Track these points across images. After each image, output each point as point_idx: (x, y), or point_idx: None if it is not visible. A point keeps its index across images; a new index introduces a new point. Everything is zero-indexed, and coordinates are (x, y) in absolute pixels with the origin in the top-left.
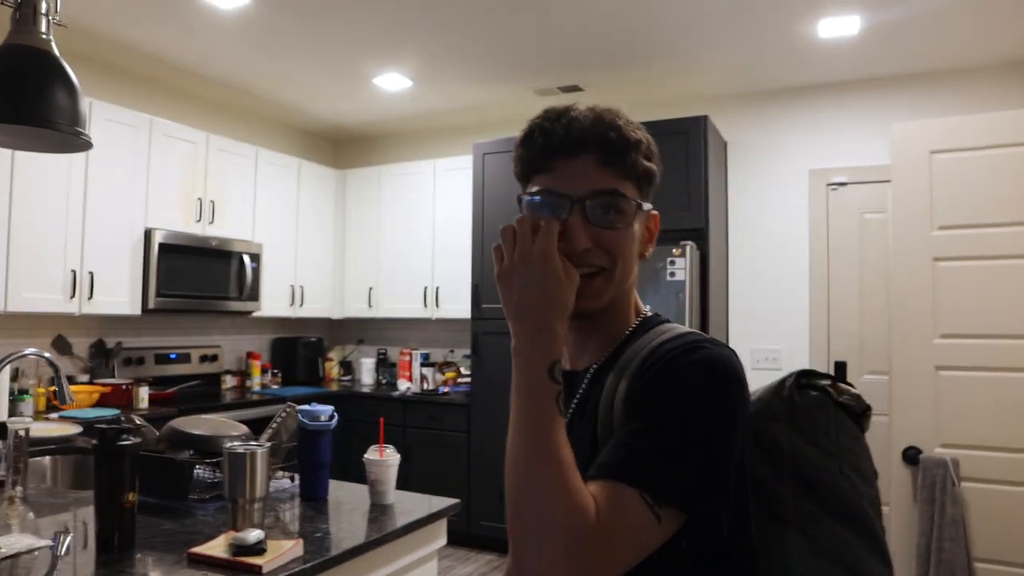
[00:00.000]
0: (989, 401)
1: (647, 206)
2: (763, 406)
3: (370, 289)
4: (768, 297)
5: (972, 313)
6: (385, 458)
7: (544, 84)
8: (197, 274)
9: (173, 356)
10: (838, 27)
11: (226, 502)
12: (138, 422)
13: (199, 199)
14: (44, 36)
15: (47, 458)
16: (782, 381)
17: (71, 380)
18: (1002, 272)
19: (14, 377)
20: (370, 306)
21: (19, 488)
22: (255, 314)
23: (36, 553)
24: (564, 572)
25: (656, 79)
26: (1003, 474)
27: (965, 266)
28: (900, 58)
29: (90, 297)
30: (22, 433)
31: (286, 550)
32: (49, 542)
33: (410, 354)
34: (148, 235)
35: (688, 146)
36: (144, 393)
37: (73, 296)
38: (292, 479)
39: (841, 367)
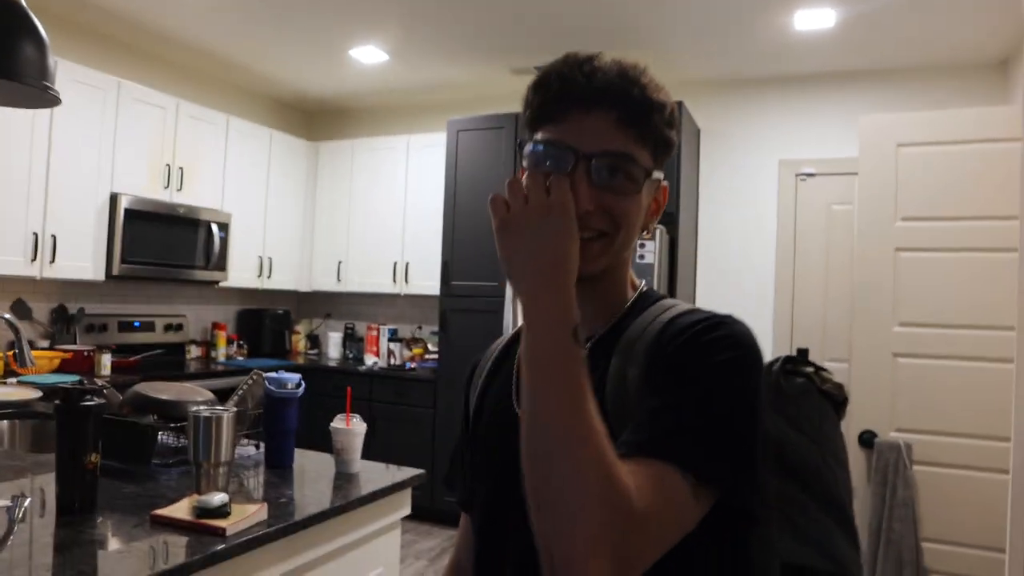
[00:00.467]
0: (943, 388)
1: (658, 175)
2: None
3: (339, 263)
4: (734, 283)
5: (930, 303)
6: (351, 427)
7: (521, 63)
8: (163, 241)
9: (137, 324)
10: (814, 19)
11: (190, 467)
12: (101, 385)
13: (167, 165)
14: None
15: (4, 423)
16: (768, 365)
17: (31, 346)
18: (960, 264)
19: None
20: (339, 280)
21: None
22: (222, 284)
23: None
24: (605, 558)
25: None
26: (953, 458)
27: (925, 257)
28: (872, 53)
29: (52, 261)
30: None
31: (250, 514)
32: (6, 502)
33: (378, 329)
34: (114, 200)
35: None
36: (107, 360)
37: (34, 260)
38: (257, 447)
39: (803, 353)
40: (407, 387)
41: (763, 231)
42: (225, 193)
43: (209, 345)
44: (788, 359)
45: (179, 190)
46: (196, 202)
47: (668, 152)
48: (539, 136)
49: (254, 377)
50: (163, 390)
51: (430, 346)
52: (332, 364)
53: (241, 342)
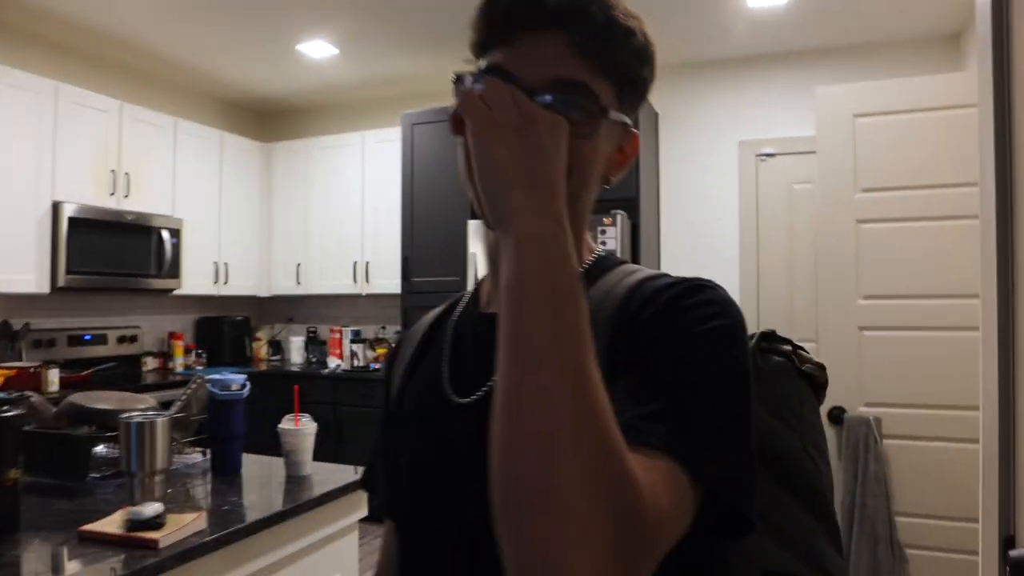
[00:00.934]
0: (909, 360)
1: (621, 118)
2: None
3: (298, 265)
4: (699, 266)
5: (893, 274)
6: (300, 427)
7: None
8: (112, 250)
9: (88, 337)
10: None
11: (124, 477)
12: (30, 396)
13: (112, 171)
14: None
15: None
16: None
17: None
18: (922, 233)
19: None
20: (298, 283)
21: None
22: (176, 292)
23: None
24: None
25: None
26: (922, 430)
27: (887, 228)
28: (826, 30)
29: None
30: None
31: (186, 523)
32: None
33: (340, 331)
34: (56, 209)
35: None
36: (55, 376)
37: None
38: (204, 453)
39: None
40: (372, 388)
41: (725, 213)
42: (176, 198)
43: (166, 356)
44: (764, 335)
45: (126, 196)
46: (145, 208)
47: (637, 92)
48: (482, 65)
49: (197, 381)
50: (101, 399)
51: (393, 345)
52: (295, 369)
53: (200, 351)
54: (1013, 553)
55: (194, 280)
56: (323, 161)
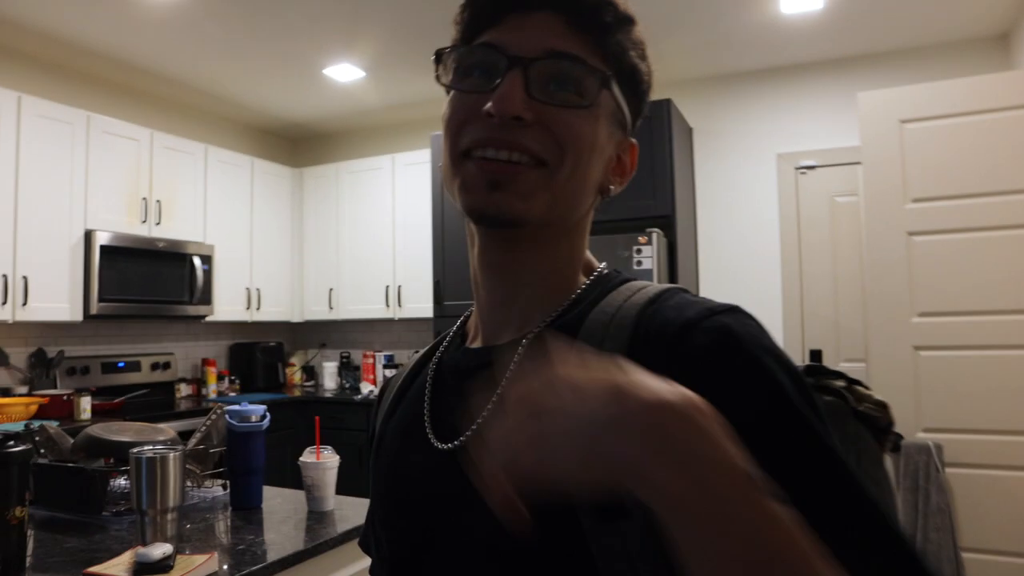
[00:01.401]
0: (972, 381)
1: (620, 100)
2: None
3: (330, 290)
4: (739, 285)
5: (950, 289)
6: (322, 460)
7: None
8: (144, 277)
9: (121, 364)
10: (801, 2)
11: (136, 514)
12: (49, 428)
13: (144, 199)
14: None
15: None
16: None
17: (7, 392)
18: (979, 245)
19: None
20: (331, 308)
21: None
22: (209, 319)
23: None
24: None
25: None
26: (989, 458)
27: (941, 240)
28: (864, 35)
29: (24, 303)
30: None
31: (197, 565)
32: None
33: (373, 356)
34: (88, 237)
35: (651, 132)
36: (86, 403)
37: (4, 302)
38: (224, 487)
39: (816, 355)
40: None
41: (765, 229)
42: (207, 224)
43: (200, 382)
44: (809, 369)
45: (158, 224)
46: (177, 235)
47: (634, 86)
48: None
49: (217, 412)
50: (119, 431)
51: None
52: (328, 395)
53: (233, 377)
54: None
55: (226, 306)
56: (353, 185)
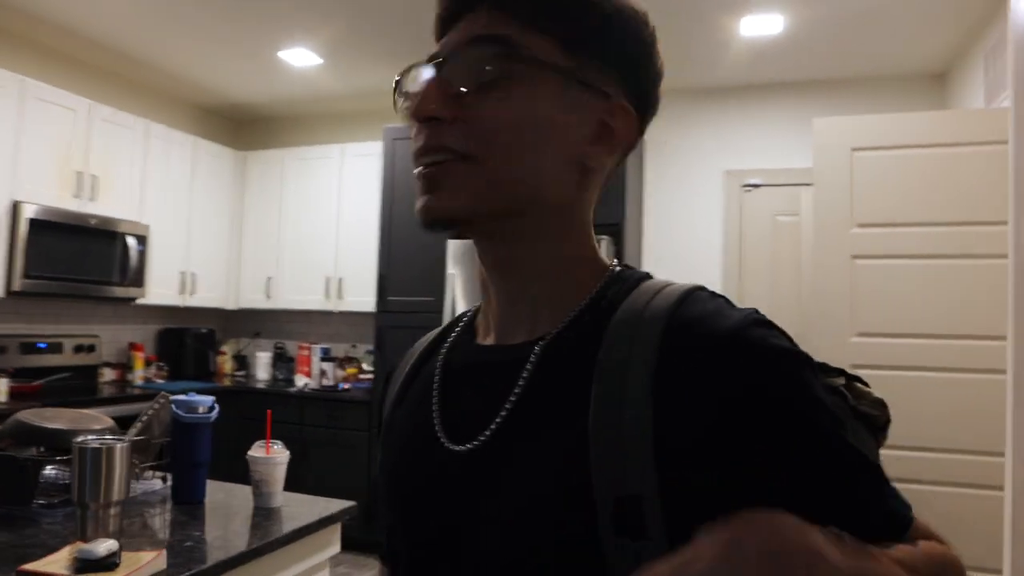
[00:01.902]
0: (906, 400)
1: (556, 62)
2: None
3: (268, 279)
4: None
5: (889, 312)
6: (272, 455)
7: None
8: (73, 255)
9: (42, 345)
10: (761, 25)
11: (76, 508)
12: None
13: (78, 172)
14: None
15: None
16: None
17: None
18: (919, 271)
19: None
20: (268, 297)
21: None
22: (139, 301)
23: None
24: None
25: None
26: (922, 474)
27: (883, 264)
28: (817, 63)
29: None
30: None
31: (144, 563)
32: None
33: (309, 348)
34: (15, 208)
35: None
36: (3, 385)
37: None
38: (164, 480)
39: None
40: (341, 409)
41: (709, 243)
42: (144, 203)
43: (125, 367)
44: None
45: (92, 199)
46: (111, 213)
47: (600, 44)
48: None
49: (160, 401)
50: (53, 418)
51: (365, 365)
52: (260, 386)
53: (161, 364)
54: None
55: (159, 289)
56: (299, 172)
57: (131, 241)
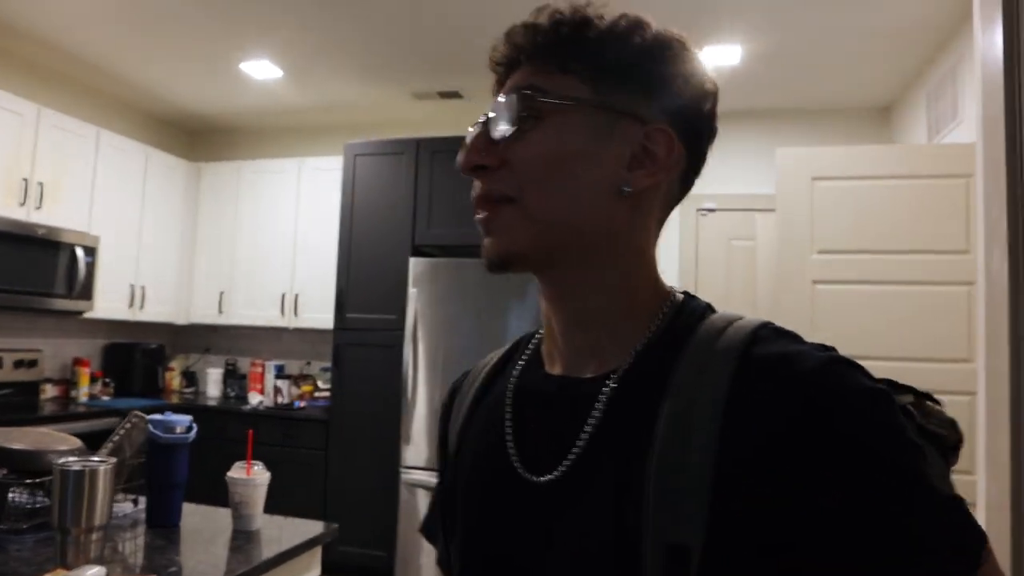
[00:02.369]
0: None
1: (582, 98)
2: None
3: (221, 293)
4: None
5: (848, 335)
6: (252, 476)
7: (422, 87)
8: (16, 265)
9: None
10: (719, 56)
11: (52, 532)
12: None
13: (24, 180)
14: None
15: None
16: None
17: None
18: (876, 297)
19: None
20: (220, 312)
21: None
22: (86, 315)
23: None
24: None
25: None
26: None
27: (842, 289)
28: (772, 94)
29: None
30: None
31: None
32: None
33: (263, 365)
34: None
35: None
36: None
37: None
38: (135, 502)
39: None
40: (296, 428)
41: (666, 265)
42: (93, 214)
43: (69, 383)
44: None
45: (38, 208)
46: (58, 222)
47: (626, 76)
48: None
49: (134, 420)
50: (17, 438)
51: (320, 383)
52: (211, 403)
53: (107, 380)
54: None
55: (107, 303)
56: (255, 185)
57: (79, 252)
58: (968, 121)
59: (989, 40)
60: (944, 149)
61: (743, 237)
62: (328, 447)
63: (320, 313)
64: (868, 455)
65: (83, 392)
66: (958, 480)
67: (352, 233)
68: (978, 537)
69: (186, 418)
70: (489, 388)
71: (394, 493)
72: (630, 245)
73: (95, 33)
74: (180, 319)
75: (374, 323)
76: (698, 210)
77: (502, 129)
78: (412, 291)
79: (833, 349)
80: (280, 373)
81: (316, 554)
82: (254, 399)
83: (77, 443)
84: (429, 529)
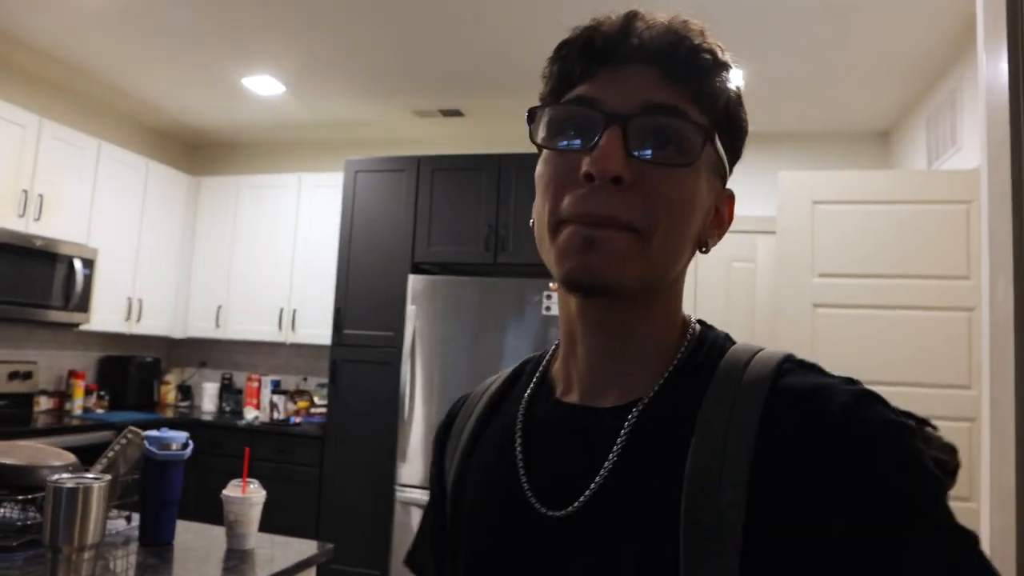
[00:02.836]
0: None
1: (721, 153)
2: None
3: (219, 307)
4: None
5: (849, 359)
6: (248, 495)
7: (424, 105)
8: (14, 277)
9: None
10: None
11: (43, 550)
12: None
13: (24, 191)
14: None
15: None
16: None
17: None
18: (877, 320)
19: None
20: (217, 326)
21: None
22: (83, 327)
23: None
24: None
25: None
26: None
27: (843, 313)
28: (773, 117)
29: None
30: None
31: None
32: None
33: (259, 380)
34: None
35: None
36: None
37: None
38: (129, 519)
39: None
40: (292, 443)
41: None
42: (92, 226)
43: (63, 396)
44: None
45: (37, 219)
46: (57, 234)
47: (733, 136)
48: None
49: (129, 436)
50: (8, 452)
51: (316, 399)
52: (207, 418)
53: (102, 393)
54: None
55: (103, 315)
56: (255, 200)
57: (78, 264)
58: (967, 147)
59: (993, 65)
60: (944, 175)
61: (743, 259)
62: (323, 464)
63: (318, 329)
64: (897, 492)
65: (78, 405)
66: (956, 507)
67: (351, 249)
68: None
69: (182, 435)
70: (493, 414)
71: (388, 511)
72: (678, 290)
73: (98, 46)
74: (177, 332)
75: (372, 340)
76: None
77: (648, 148)
78: (410, 308)
79: (858, 382)
80: (276, 388)
81: (311, 574)
82: (250, 414)
83: (71, 458)
84: (415, 560)
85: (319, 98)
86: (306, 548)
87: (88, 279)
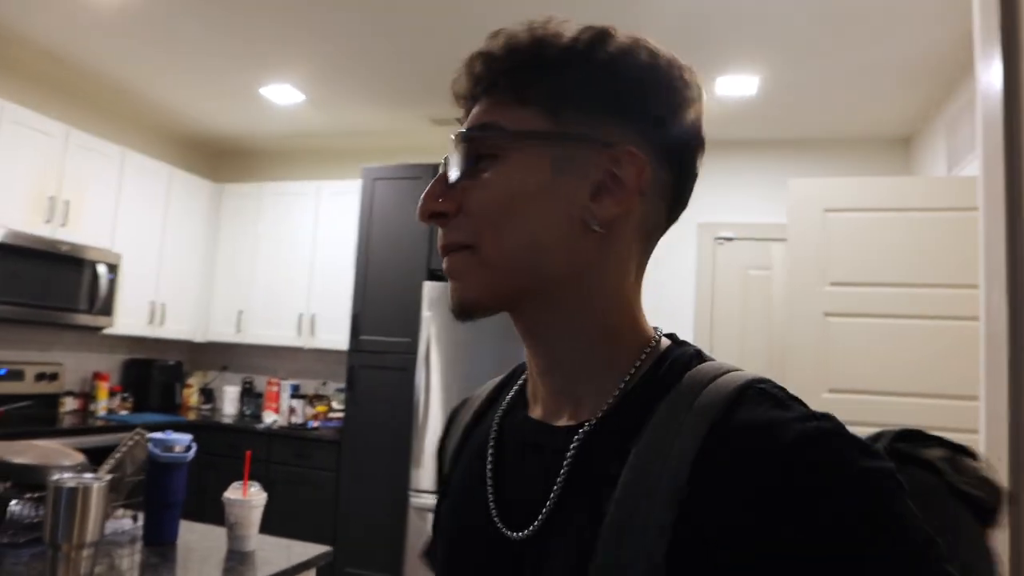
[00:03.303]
0: None
1: (539, 130)
2: None
3: (240, 312)
4: None
5: (860, 369)
6: (248, 498)
7: (441, 114)
8: (41, 281)
9: (3, 372)
10: (736, 86)
11: (45, 547)
12: None
13: (51, 198)
14: None
15: None
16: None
17: None
18: (889, 329)
19: None
20: (238, 330)
21: None
22: (107, 331)
23: None
24: None
25: None
26: None
27: (854, 322)
28: (789, 123)
29: None
30: None
31: None
32: None
33: (278, 384)
34: None
35: None
36: None
37: None
38: (135, 519)
39: None
40: (309, 448)
41: (682, 293)
42: (116, 232)
43: (88, 397)
44: (902, 435)
45: (63, 225)
46: (82, 240)
47: (587, 97)
48: None
49: (136, 437)
50: (22, 451)
51: (335, 404)
52: (227, 421)
53: (126, 394)
54: None
55: (127, 319)
56: (275, 207)
57: (102, 269)
58: None
59: (987, 74)
60: (956, 182)
61: (760, 267)
62: (339, 468)
63: (336, 334)
64: (848, 547)
65: (102, 406)
66: None
67: (368, 256)
68: None
69: (186, 437)
70: (479, 421)
71: (403, 516)
72: (603, 284)
73: (123, 58)
74: (199, 336)
75: (388, 346)
76: (715, 239)
77: (455, 173)
78: (426, 315)
79: (828, 418)
80: (295, 393)
81: None
82: (268, 418)
83: (80, 458)
84: (431, 555)
85: (337, 107)
86: (306, 551)
87: (112, 284)
